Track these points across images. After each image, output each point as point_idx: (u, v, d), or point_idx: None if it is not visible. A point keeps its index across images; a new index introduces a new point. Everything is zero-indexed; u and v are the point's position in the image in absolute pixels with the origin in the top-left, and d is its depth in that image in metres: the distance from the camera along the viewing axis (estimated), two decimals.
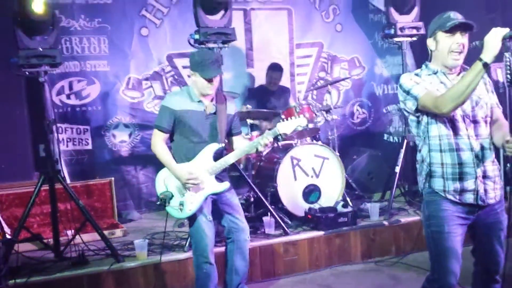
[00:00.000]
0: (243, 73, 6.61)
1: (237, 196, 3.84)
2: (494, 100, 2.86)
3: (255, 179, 5.38)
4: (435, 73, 2.80)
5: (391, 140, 7.22)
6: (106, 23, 5.93)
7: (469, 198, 2.74)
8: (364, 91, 7.18)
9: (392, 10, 5.56)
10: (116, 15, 5.97)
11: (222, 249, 3.93)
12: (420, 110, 2.77)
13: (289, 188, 5.12)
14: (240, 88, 6.44)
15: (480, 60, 2.51)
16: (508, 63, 2.48)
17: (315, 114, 5.58)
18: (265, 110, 5.71)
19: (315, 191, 5.20)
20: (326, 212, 4.87)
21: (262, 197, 4.89)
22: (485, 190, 2.75)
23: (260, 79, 6.46)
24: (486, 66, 2.49)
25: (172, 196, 3.58)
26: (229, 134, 3.82)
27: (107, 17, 5.93)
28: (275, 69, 6.27)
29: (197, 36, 4.76)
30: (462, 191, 2.74)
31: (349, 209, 4.99)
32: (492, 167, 2.78)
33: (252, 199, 5.23)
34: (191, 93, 3.63)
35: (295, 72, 6.87)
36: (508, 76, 2.49)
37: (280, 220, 4.79)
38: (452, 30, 2.69)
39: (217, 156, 3.63)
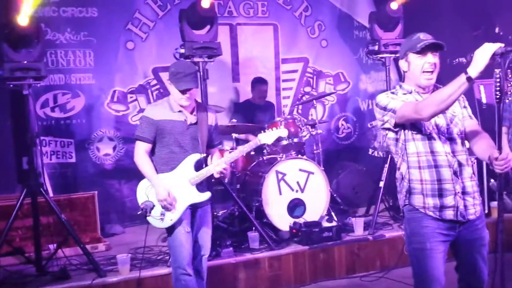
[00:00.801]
0: (229, 87, 6.63)
1: (210, 213, 3.81)
2: (467, 113, 2.88)
3: (240, 193, 5.37)
4: (410, 92, 2.83)
5: (376, 154, 7.27)
6: (92, 37, 5.93)
7: (449, 214, 2.75)
8: (349, 106, 7.24)
9: (376, 27, 5.65)
10: (102, 29, 5.97)
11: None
12: (399, 124, 2.78)
13: (274, 202, 5.11)
14: (226, 102, 6.46)
15: (466, 73, 2.45)
16: (498, 80, 2.44)
17: (300, 129, 5.60)
18: (250, 124, 5.72)
19: (300, 206, 5.20)
20: (311, 226, 4.86)
21: (246, 212, 4.88)
22: (465, 206, 2.76)
23: (246, 94, 6.49)
24: (470, 80, 2.44)
25: (154, 206, 3.55)
26: (209, 145, 3.79)
27: (93, 31, 5.93)
28: (261, 82, 6.30)
29: (182, 50, 4.78)
30: (442, 207, 2.75)
31: (334, 223, 5.00)
32: (470, 183, 2.80)
33: (236, 213, 5.23)
34: (171, 103, 3.61)
35: (281, 86, 6.91)
36: (498, 92, 2.46)
37: (264, 235, 4.77)
38: (423, 51, 2.72)
39: (199, 166, 3.61)
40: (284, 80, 6.91)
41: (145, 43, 6.19)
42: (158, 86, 6.24)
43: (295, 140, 5.43)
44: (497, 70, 2.43)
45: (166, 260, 4.41)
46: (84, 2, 5.89)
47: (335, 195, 5.80)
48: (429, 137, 2.75)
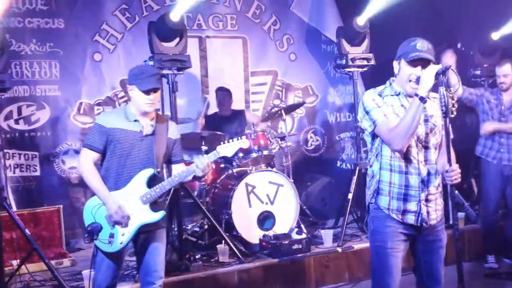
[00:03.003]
0: (198, 99, 6.61)
1: (164, 236, 3.48)
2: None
3: (209, 206, 5.35)
4: (397, 94, 2.90)
5: (344, 167, 7.35)
6: (58, 48, 5.84)
7: (411, 219, 2.88)
8: (317, 119, 7.31)
9: (343, 41, 5.75)
10: (69, 40, 5.89)
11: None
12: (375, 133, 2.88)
13: (244, 215, 5.10)
14: (195, 115, 6.42)
15: (417, 95, 2.69)
16: (442, 97, 2.66)
17: (270, 141, 5.62)
18: (218, 132, 5.63)
19: (269, 218, 5.21)
20: (280, 239, 4.87)
21: (216, 225, 4.86)
22: (428, 213, 2.89)
23: (215, 106, 6.47)
24: (422, 99, 2.68)
25: (101, 227, 3.25)
26: (169, 161, 3.51)
27: (59, 42, 5.84)
28: (220, 90, 6.31)
29: (151, 63, 4.75)
30: (404, 211, 2.87)
31: (303, 236, 5.01)
32: (435, 190, 2.91)
33: (206, 227, 5.19)
34: (127, 111, 3.32)
35: (250, 99, 6.93)
36: (443, 108, 2.66)
37: (234, 248, 4.75)
38: (413, 62, 2.80)
39: (152, 182, 3.31)
40: (253, 93, 6.94)
41: (113, 54, 6.13)
42: (125, 98, 6.17)
43: (265, 152, 5.45)
44: (440, 88, 2.66)
45: (134, 275, 4.34)
46: (50, 13, 5.80)
47: (304, 207, 5.83)
48: None
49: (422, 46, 2.80)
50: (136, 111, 3.31)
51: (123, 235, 3.25)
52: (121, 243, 3.25)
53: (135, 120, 3.30)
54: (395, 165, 2.86)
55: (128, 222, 3.24)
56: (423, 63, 2.79)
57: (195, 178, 3.41)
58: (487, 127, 5.04)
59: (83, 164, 3.30)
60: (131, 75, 3.31)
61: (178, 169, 3.47)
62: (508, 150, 4.99)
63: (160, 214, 3.32)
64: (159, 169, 3.36)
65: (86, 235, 3.26)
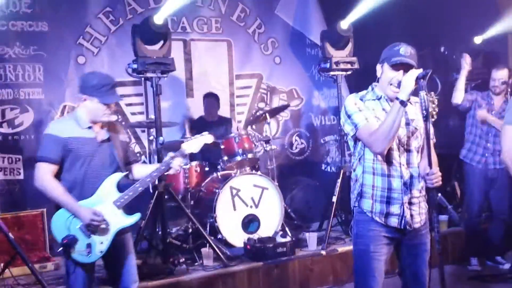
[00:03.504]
0: (182, 102, 6.61)
1: (131, 240, 3.46)
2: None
3: (193, 210, 5.34)
4: (379, 98, 2.93)
5: (329, 170, 7.38)
6: (42, 51, 5.79)
7: (394, 222, 2.90)
8: (302, 122, 7.34)
9: (327, 45, 5.78)
10: (53, 43, 5.84)
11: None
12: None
13: (228, 218, 5.11)
14: (179, 118, 6.42)
15: (397, 99, 2.72)
16: (423, 101, 2.69)
17: (255, 144, 5.64)
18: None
19: (254, 221, 5.22)
20: (265, 242, 4.88)
21: (200, 228, 4.85)
22: (411, 216, 2.91)
23: (200, 109, 6.47)
24: (403, 103, 2.72)
25: (77, 239, 3.12)
26: (128, 163, 3.48)
27: (43, 45, 5.79)
28: (209, 96, 6.32)
29: (135, 66, 4.74)
30: (388, 214, 2.90)
31: (288, 239, 5.03)
32: (418, 194, 2.94)
33: (190, 230, 5.18)
34: (78, 119, 3.23)
35: (235, 102, 6.94)
36: (424, 111, 2.70)
37: (218, 251, 4.75)
38: (396, 66, 2.84)
39: (121, 186, 3.26)
40: (238, 96, 6.94)
41: (97, 57, 6.09)
42: None
43: (250, 156, 5.47)
44: (421, 92, 2.69)
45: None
46: (34, 16, 5.75)
47: (289, 210, 5.85)
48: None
49: (406, 51, 2.84)
50: (87, 118, 3.24)
51: (102, 243, 3.18)
52: (101, 252, 3.19)
53: (89, 127, 3.24)
54: (377, 168, 2.89)
55: (107, 228, 3.18)
56: (405, 67, 2.82)
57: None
58: (481, 113, 5.06)
59: (43, 179, 3.14)
60: (89, 86, 3.21)
61: (138, 168, 3.54)
62: (493, 154, 5.05)
63: (135, 217, 3.30)
64: (126, 172, 3.35)
65: (61, 248, 3.11)
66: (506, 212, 5.06)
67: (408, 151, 2.90)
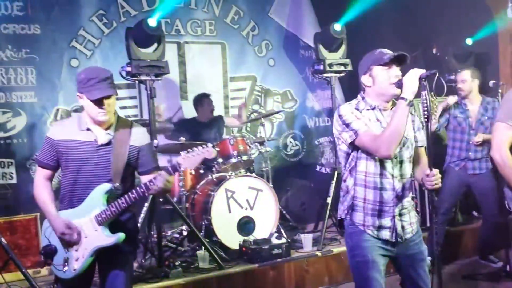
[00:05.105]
0: (177, 105, 6.59)
1: (128, 262, 3.04)
2: (420, 138, 2.98)
3: (189, 212, 5.33)
4: (373, 108, 2.87)
5: (323, 171, 7.39)
6: (34, 54, 5.76)
7: (386, 234, 2.86)
8: (296, 124, 7.35)
9: (321, 47, 5.80)
10: (45, 46, 5.81)
11: None
12: (355, 145, 2.83)
13: (224, 220, 5.09)
14: (173, 120, 6.42)
15: (402, 98, 2.69)
16: (425, 101, 2.66)
17: (249, 146, 5.64)
18: (198, 142, 5.63)
19: (249, 223, 5.21)
20: (260, 244, 4.87)
21: (196, 230, 4.84)
22: (403, 227, 2.88)
23: (194, 111, 6.46)
24: (408, 102, 2.67)
25: (56, 250, 2.91)
26: (142, 171, 3.07)
27: (35, 48, 5.76)
28: (203, 96, 6.27)
29: (129, 69, 4.73)
30: (379, 227, 2.86)
31: (283, 240, 5.03)
32: (408, 204, 2.92)
33: (185, 233, 5.17)
34: (80, 119, 2.96)
35: (229, 104, 6.94)
36: (425, 112, 2.67)
37: (214, 254, 4.74)
38: (388, 64, 2.80)
39: (111, 199, 2.91)
40: (232, 98, 6.94)
41: (90, 60, 6.06)
42: None
43: (244, 158, 5.46)
44: (423, 93, 2.66)
45: None
46: (26, 18, 5.72)
47: (284, 211, 5.85)
48: (382, 159, 2.81)
49: (387, 51, 2.83)
50: (88, 119, 2.96)
51: (77, 260, 2.88)
52: (74, 270, 2.88)
53: (87, 129, 2.94)
54: (369, 181, 2.84)
55: (82, 244, 2.87)
56: (397, 64, 2.81)
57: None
58: (477, 139, 5.04)
59: (35, 183, 3.04)
60: (78, 82, 2.92)
61: (145, 180, 3.01)
62: (473, 161, 5.05)
63: (118, 237, 2.87)
64: (117, 184, 2.91)
65: (43, 258, 2.97)
66: (496, 215, 5.02)
67: (401, 162, 2.86)
